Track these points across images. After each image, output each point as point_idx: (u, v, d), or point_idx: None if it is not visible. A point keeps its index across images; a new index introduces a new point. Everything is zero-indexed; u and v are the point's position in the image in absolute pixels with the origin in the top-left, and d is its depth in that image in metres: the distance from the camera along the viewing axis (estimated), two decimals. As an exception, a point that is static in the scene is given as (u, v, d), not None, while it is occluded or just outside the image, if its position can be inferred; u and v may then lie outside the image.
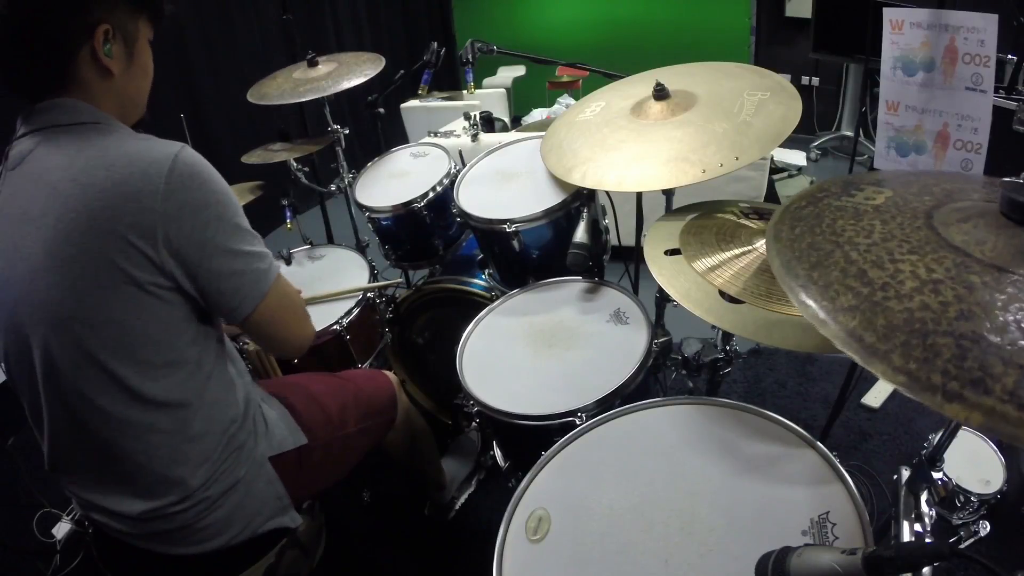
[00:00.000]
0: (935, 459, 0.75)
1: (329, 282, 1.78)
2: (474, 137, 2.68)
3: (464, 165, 1.71)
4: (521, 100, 4.63)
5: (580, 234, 1.32)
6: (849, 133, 4.14)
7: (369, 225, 1.85)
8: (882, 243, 0.61)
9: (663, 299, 1.42)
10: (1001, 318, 0.50)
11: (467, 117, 2.77)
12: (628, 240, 1.72)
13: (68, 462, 0.94)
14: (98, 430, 0.87)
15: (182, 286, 0.86)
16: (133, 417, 0.87)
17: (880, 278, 0.57)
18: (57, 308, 0.81)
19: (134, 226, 0.79)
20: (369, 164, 1.98)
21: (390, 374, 1.44)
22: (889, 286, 0.56)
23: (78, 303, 0.81)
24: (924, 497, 0.75)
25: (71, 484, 0.95)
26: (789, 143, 2.03)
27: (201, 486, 0.93)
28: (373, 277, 1.81)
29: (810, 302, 0.58)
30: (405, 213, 1.72)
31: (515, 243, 1.43)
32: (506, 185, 1.57)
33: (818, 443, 0.87)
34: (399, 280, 1.91)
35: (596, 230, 1.40)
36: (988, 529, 1.25)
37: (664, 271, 1.06)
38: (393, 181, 1.87)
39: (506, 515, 0.89)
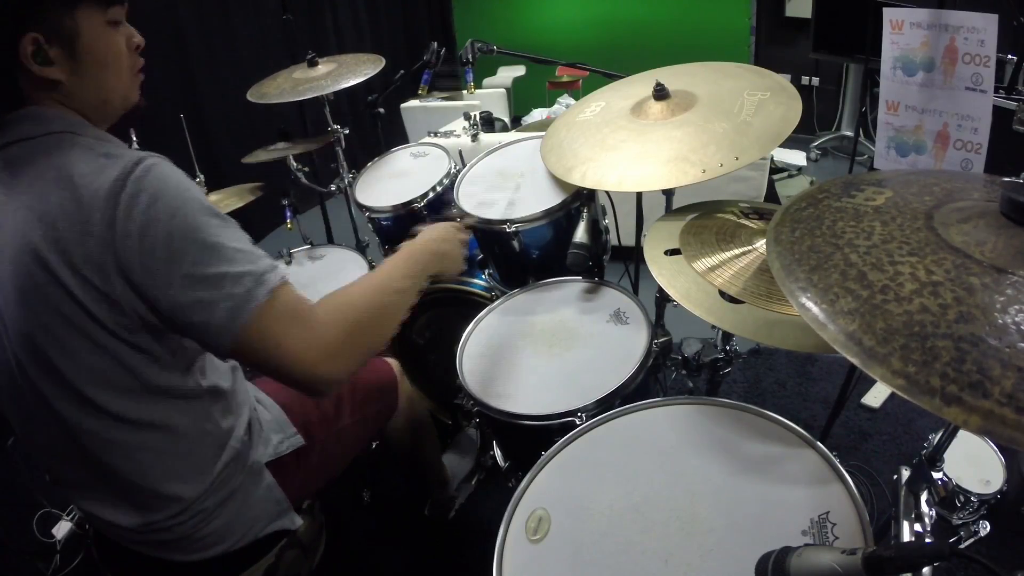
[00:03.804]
0: (935, 459, 0.75)
1: (330, 282, 1.78)
2: (474, 137, 2.68)
3: (464, 165, 1.71)
4: (521, 100, 4.63)
5: (580, 234, 1.32)
6: (849, 133, 4.14)
7: (369, 225, 1.85)
8: (882, 245, 0.61)
9: (663, 299, 1.42)
10: (1000, 320, 0.50)
11: (467, 117, 2.77)
12: (628, 240, 1.72)
13: (65, 478, 0.93)
14: (90, 451, 0.85)
15: (148, 322, 0.77)
16: (120, 438, 0.85)
17: (880, 280, 0.57)
18: (31, 340, 0.77)
19: (86, 260, 0.73)
20: (369, 164, 1.98)
21: (391, 360, 1.41)
22: (889, 288, 0.56)
23: (47, 337, 0.77)
24: (924, 497, 0.75)
25: (72, 495, 0.95)
26: (789, 143, 2.03)
27: (198, 498, 0.92)
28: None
29: (810, 305, 0.58)
30: (405, 213, 1.72)
31: (515, 243, 1.43)
32: (506, 185, 1.57)
33: (818, 443, 0.87)
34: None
35: (596, 230, 1.40)
36: (988, 529, 1.25)
37: (664, 271, 1.06)
38: (393, 181, 1.87)
39: (506, 515, 0.89)
